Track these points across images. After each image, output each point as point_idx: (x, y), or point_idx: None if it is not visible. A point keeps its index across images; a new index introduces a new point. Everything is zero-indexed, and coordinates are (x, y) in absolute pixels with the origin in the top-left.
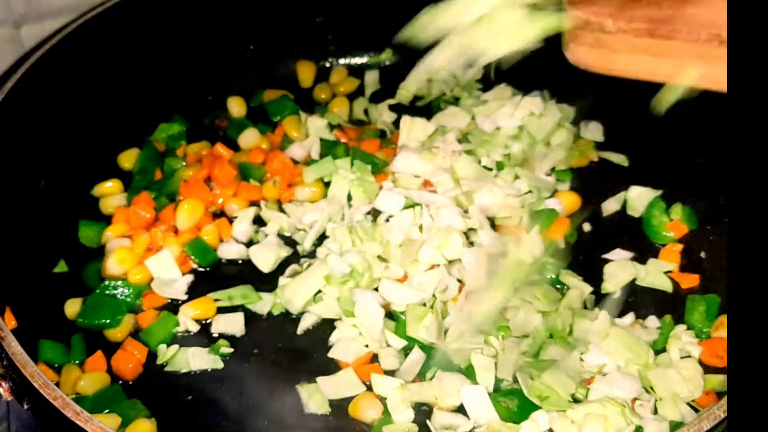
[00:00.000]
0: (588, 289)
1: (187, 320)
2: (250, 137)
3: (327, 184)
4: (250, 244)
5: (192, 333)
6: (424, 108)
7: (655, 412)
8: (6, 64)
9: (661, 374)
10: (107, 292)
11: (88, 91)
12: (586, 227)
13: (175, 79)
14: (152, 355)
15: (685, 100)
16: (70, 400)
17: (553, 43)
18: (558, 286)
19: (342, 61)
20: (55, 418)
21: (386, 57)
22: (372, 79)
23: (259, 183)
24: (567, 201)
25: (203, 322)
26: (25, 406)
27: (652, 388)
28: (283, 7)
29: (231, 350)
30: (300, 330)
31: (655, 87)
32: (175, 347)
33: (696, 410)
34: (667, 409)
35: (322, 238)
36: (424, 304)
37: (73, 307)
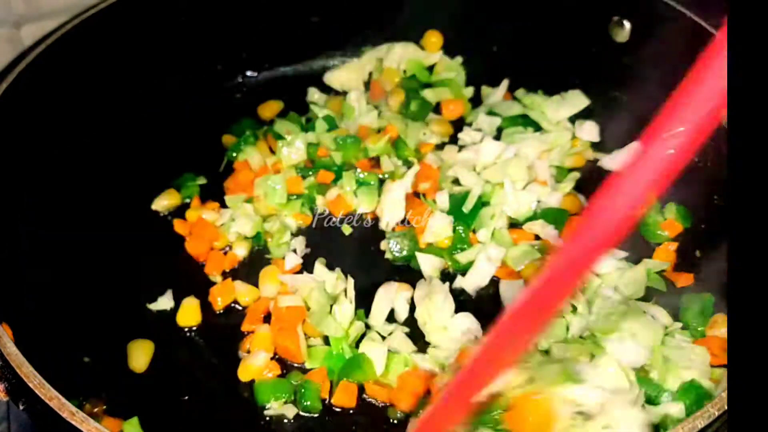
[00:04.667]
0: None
1: None
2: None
3: None
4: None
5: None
6: None
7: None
8: (5, 64)
9: (672, 351)
10: None
11: (86, 91)
12: None
13: (174, 78)
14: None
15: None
16: (66, 400)
17: (550, 43)
18: None
19: None
20: (51, 419)
21: None
22: None
23: None
24: (567, 203)
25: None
26: (21, 407)
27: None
28: (280, 7)
29: None
30: None
31: (648, 87)
32: None
33: None
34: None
35: None
36: None
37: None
